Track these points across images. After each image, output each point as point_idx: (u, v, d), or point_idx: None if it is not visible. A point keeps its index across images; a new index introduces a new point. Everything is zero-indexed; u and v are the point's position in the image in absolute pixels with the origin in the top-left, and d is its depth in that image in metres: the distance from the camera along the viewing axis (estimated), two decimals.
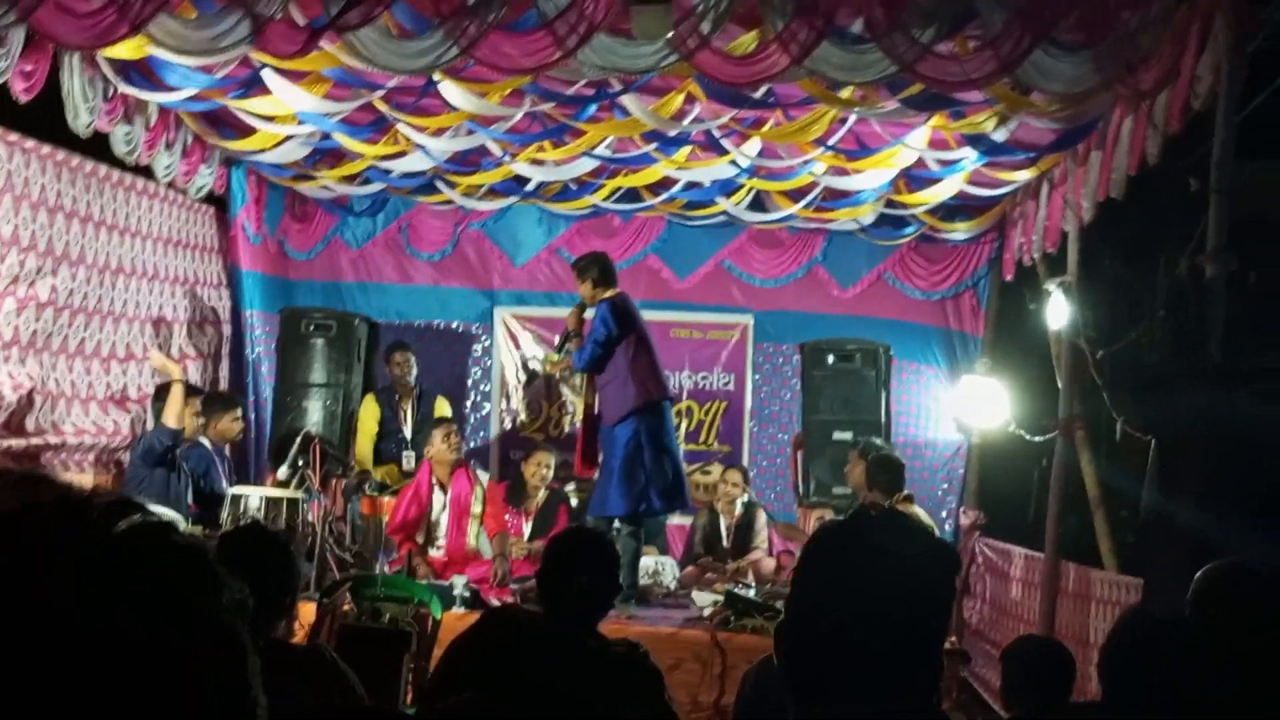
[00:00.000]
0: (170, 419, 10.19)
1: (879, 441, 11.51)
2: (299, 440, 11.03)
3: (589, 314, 10.80)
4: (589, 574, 4.97)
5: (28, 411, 9.90)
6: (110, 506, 1.12)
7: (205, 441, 11.05)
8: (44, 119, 9.81)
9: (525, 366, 14.43)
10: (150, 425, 10.85)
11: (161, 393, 10.54)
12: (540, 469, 12.01)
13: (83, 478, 10.51)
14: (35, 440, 9.97)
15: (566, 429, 14.21)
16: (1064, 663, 5.84)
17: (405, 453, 12.50)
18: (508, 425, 14.40)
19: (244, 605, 1.15)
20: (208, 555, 1.15)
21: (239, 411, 11.53)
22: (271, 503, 9.88)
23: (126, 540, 1.09)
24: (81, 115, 9.95)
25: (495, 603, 9.99)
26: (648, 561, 11.44)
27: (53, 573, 1.04)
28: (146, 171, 11.57)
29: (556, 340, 11.29)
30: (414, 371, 12.81)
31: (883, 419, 12.80)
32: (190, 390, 10.75)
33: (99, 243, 10.96)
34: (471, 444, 13.66)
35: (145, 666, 1.04)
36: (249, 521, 8.67)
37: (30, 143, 9.93)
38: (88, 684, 1.02)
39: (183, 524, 8.86)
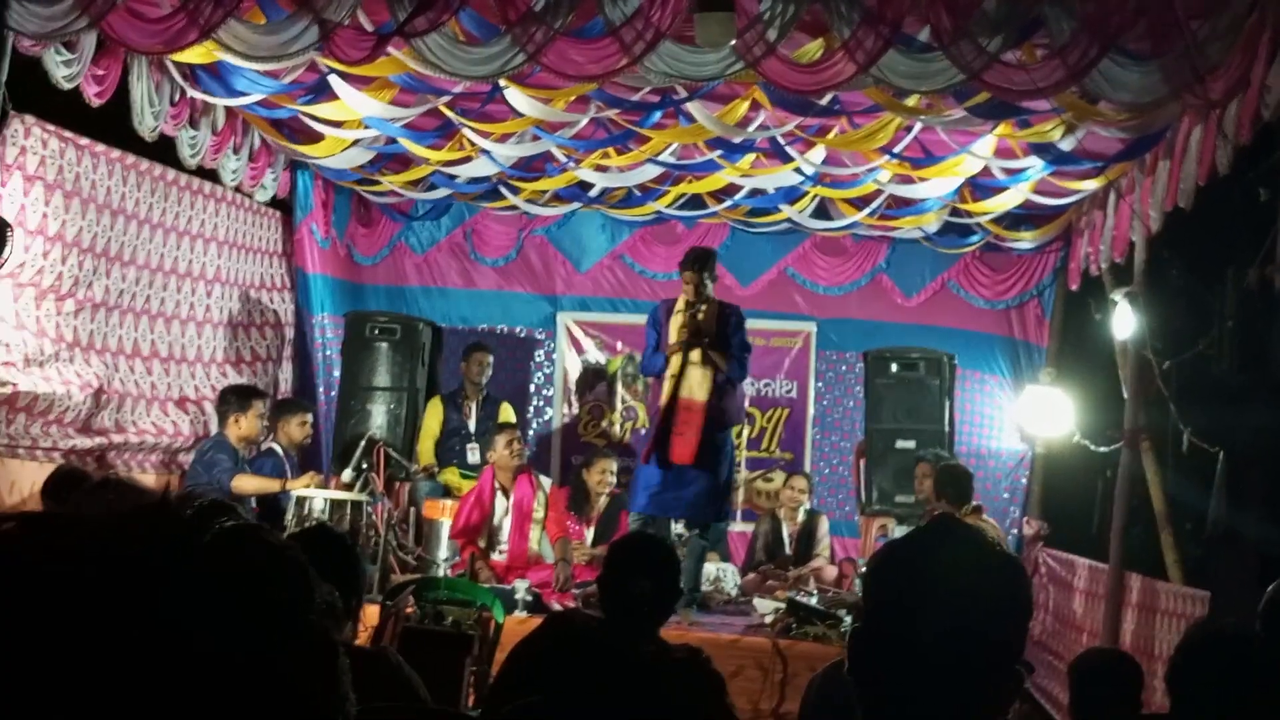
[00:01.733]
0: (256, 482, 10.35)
1: (945, 453, 11.48)
2: (363, 444, 11.10)
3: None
4: (651, 578, 4.97)
5: (95, 412, 10.00)
6: (203, 509, 1.13)
7: (277, 447, 11.14)
8: (113, 123, 9.91)
9: (589, 371, 14.45)
10: (213, 429, 10.97)
11: (237, 401, 10.62)
12: (604, 475, 12.02)
13: (145, 478, 10.61)
14: (100, 440, 10.08)
15: (627, 436, 14.23)
16: (1131, 674, 5.80)
17: (470, 445, 12.53)
18: (568, 428, 14.42)
19: (333, 607, 1.16)
20: (300, 557, 1.16)
21: (308, 416, 11.60)
22: (336, 505, 9.93)
23: (221, 544, 1.11)
24: (147, 119, 10.05)
25: (557, 607, 10.02)
26: (709, 568, 11.45)
27: (151, 580, 1.05)
28: (212, 175, 11.66)
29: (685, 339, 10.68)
30: (489, 373, 12.85)
31: (946, 428, 12.74)
32: (256, 393, 10.79)
33: (163, 246, 11.06)
34: (533, 449, 13.67)
35: (244, 672, 1.06)
36: (314, 524, 8.72)
37: (100, 146, 10.04)
38: (189, 692, 1.03)
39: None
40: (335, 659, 1.14)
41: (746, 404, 14.10)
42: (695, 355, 10.47)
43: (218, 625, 1.05)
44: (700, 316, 10.45)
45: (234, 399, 10.67)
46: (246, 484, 10.20)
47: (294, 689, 1.09)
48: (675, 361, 10.48)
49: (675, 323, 10.55)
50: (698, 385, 10.47)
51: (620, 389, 14.39)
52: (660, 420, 10.54)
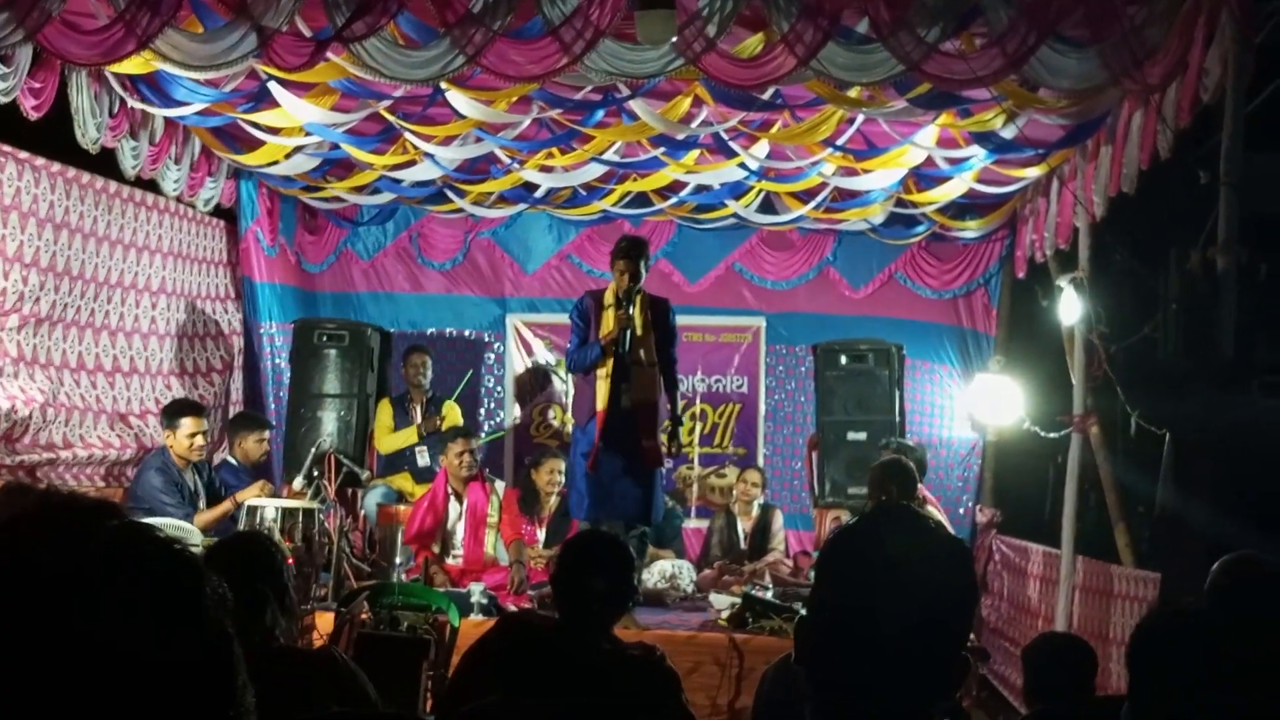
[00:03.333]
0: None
1: (911, 442, 11.50)
2: (314, 451, 11.06)
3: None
4: (604, 576, 4.92)
5: (39, 428, 9.92)
6: (91, 509, 1.13)
7: (232, 460, 11.06)
8: (52, 135, 9.84)
9: (538, 372, 14.45)
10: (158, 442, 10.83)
11: (166, 418, 10.38)
12: (553, 475, 12.01)
13: (89, 492, 10.48)
14: (46, 455, 10.00)
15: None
16: (1084, 658, 5.83)
17: (418, 448, 12.50)
18: (520, 430, 14.42)
19: (224, 600, 1.16)
20: (188, 552, 1.16)
21: (266, 434, 11.51)
22: (287, 513, 9.88)
23: (111, 541, 1.10)
24: (90, 130, 9.97)
25: (513, 609, 10.01)
26: (665, 565, 11.45)
27: (43, 579, 1.05)
28: (154, 186, 11.58)
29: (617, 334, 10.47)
30: (429, 375, 12.81)
31: (897, 418, 12.76)
32: (187, 410, 10.49)
33: (108, 259, 10.97)
34: (485, 451, 13.65)
35: (139, 664, 1.06)
36: (227, 535, 8.64)
37: (40, 160, 9.96)
38: (77, 679, 1.03)
39: (197, 536, 8.85)
40: (230, 648, 1.14)
41: (698, 401, 14.15)
42: (643, 355, 10.41)
43: (111, 620, 1.05)
44: (634, 311, 10.38)
45: (165, 415, 10.41)
46: (205, 519, 10.01)
47: (190, 678, 1.08)
48: (611, 363, 10.38)
49: (608, 317, 10.47)
50: (650, 385, 10.44)
51: (571, 388, 14.37)
52: (608, 423, 10.39)
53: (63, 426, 10.24)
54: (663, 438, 10.57)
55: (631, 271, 10.35)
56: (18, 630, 1.03)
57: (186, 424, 10.07)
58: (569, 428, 14.21)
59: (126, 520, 1.13)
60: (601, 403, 10.33)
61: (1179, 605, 3.81)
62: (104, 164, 10.68)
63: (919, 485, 10.09)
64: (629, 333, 10.29)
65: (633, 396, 10.34)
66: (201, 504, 10.18)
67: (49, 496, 1.15)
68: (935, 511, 10.21)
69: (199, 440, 10.12)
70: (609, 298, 10.51)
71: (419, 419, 12.66)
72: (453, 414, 12.72)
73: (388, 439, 12.65)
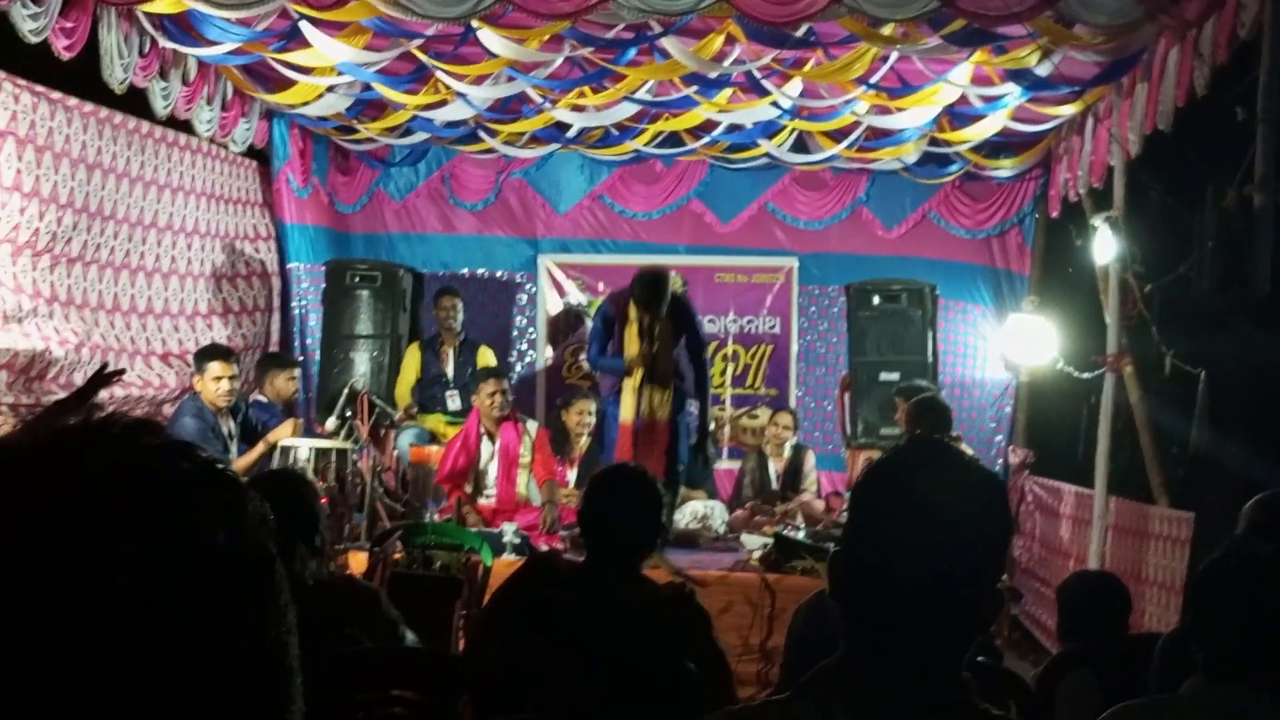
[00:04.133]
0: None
1: (922, 382, 11.45)
2: (346, 392, 11.08)
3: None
4: (632, 512, 4.87)
5: (75, 367, 9.95)
6: (130, 427, 1.13)
7: (262, 398, 11.10)
8: (82, 76, 9.83)
9: (571, 313, 14.45)
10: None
11: (195, 363, 10.37)
12: (582, 416, 12.00)
13: None
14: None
15: None
16: (1119, 596, 5.82)
17: (449, 392, 12.51)
18: (552, 371, 14.44)
19: (265, 519, 1.16)
20: (229, 470, 1.15)
21: (296, 371, 11.55)
22: (320, 454, 9.92)
23: (148, 459, 1.10)
24: (117, 71, 9.95)
25: (545, 549, 10.04)
26: (697, 505, 11.47)
27: (79, 498, 1.05)
28: (187, 126, 11.58)
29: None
30: (460, 317, 12.78)
31: (929, 359, 12.73)
32: (214, 354, 10.45)
33: (140, 199, 10.99)
34: (516, 393, 13.65)
35: (179, 585, 1.05)
36: (261, 472, 8.68)
37: (71, 100, 9.96)
38: (126, 607, 1.03)
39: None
40: (272, 567, 1.14)
41: (730, 342, 14.14)
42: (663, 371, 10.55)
43: (149, 537, 1.04)
44: (655, 346, 10.47)
45: (195, 360, 10.40)
46: (240, 464, 10.00)
47: (231, 596, 1.08)
48: (638, 375, 10.51)
49: (631, 332, 10.53)
50: (659, 404, 10.49)
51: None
52: (620, 440, 10.58)
53: (98, 366, 10.26)
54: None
55: (652, 315, 10.47)
56: (53, 546, 1.02)
57: (214, 368, 10.05)
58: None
59: (166, 438, 1.13)
60: (627, 416, 10.58)
61: (1248, 548, 3.77)
62: (137, 104, 10.68)
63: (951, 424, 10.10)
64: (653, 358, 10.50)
65: (640, 413, 10.52)
66: (234, 447, 10.18)
67: (86, 417, 1.14)
68: (967, 451, 10.19)
69: (225, 385, 10.06)
70: (633, 311, 10.56)
71: (451, 362, 12.66)
72: (485, 356, 12.72)
73: (404, 389, 12.65)
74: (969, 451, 9.86)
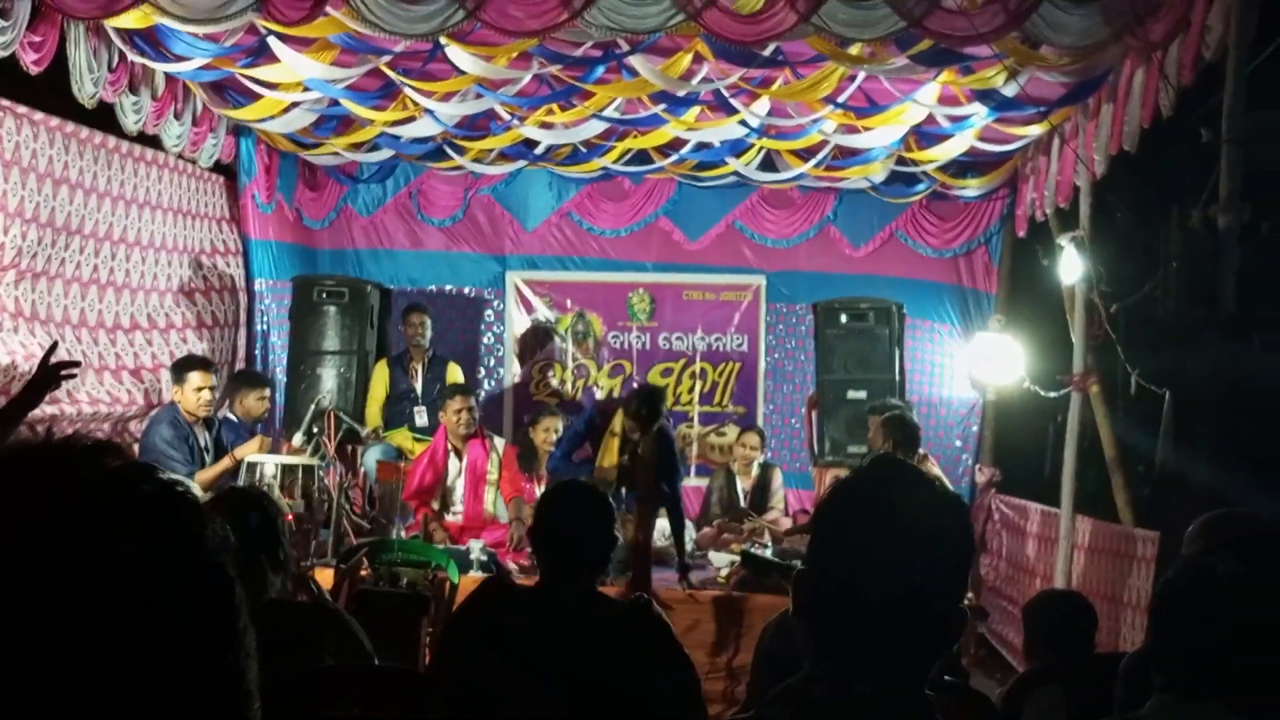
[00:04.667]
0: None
1: (895, 401, 11.47)
2: (313, 408, 11.05)
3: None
4: (585, 525, 4.79)
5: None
6: (92, 449, 1.12)
7: (232, 417, 11.06)
8: (52, 90, 9.80)
9: (539, 330, 14.45)
10: (166, 397, 10.85)
11: (174, 373, 10.38)
12: (549, 434, 11.96)
13: None
14: (50, 410, 9.98)
15: (578, 394, 14.27)
16: (1085, 614, 5.84)
17: (416, 408, 12.49)
18: (520, 388, 14.43)
19: (226, 540, 1.16)
20: (189, 493, 1.15)
21: (266, 391, 11.48)
22: (287, 470, 9.89)
23: (110, 481, 1.10)
24: (86, 86, 9.92)
25: (512, 566, 10.03)
26: (663, 524, 11.45)
27: (33, 516, 1.04)
28: (154, 142, 11.55)
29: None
30: (429, 333, 12.75)
31: (896, 377, 12.76)
32: (194, 364, 10.50)
33: (109, 215, 10.95)
34: (484, 409, 13.63)
35: (138, 605, 1.05)
36: (222, 489, 8.63)
37: (38, 115, 9.92)
38: (72, 621, 1.02)
39: (199, 493, 8.85)
40: (231, 590, 1.14)
41: (698, 360, 14.16)
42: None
43: (107, 560, 1.04)
44: (640, 452, 10.13)
45: (173, 371, 10.42)
46: (205, 477, 9.99)
47: (190, 619, 1.08)
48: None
49: (612, 445, 10.43)
50: (633, 524, 9.99)
51: (571, 346, 14.40)
52: None
53: (64, 382, 10.21)
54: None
55: (643, 430, 10.08)
56: (10, 569, 1.02)
57: (194, 378, 10.08)
58: (568, 386, 14.26)
59: (127, 461, 1.12)
60: None
61: (1208, 564, 3.78)
62: (104, 119, 10.64)
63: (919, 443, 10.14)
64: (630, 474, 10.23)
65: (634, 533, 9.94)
66: (209, 461, 10.18)
67: (47, 437, 1.14)
68: (934, 469, 10.20)
69: (206, 395, 10.11)
70: (619, 423, 10.40)
71: (420, 378, 12.64)
72: (454, 373, 12.71)
73: (374, 409, 12.62)
74: (936, 470, 9.95)
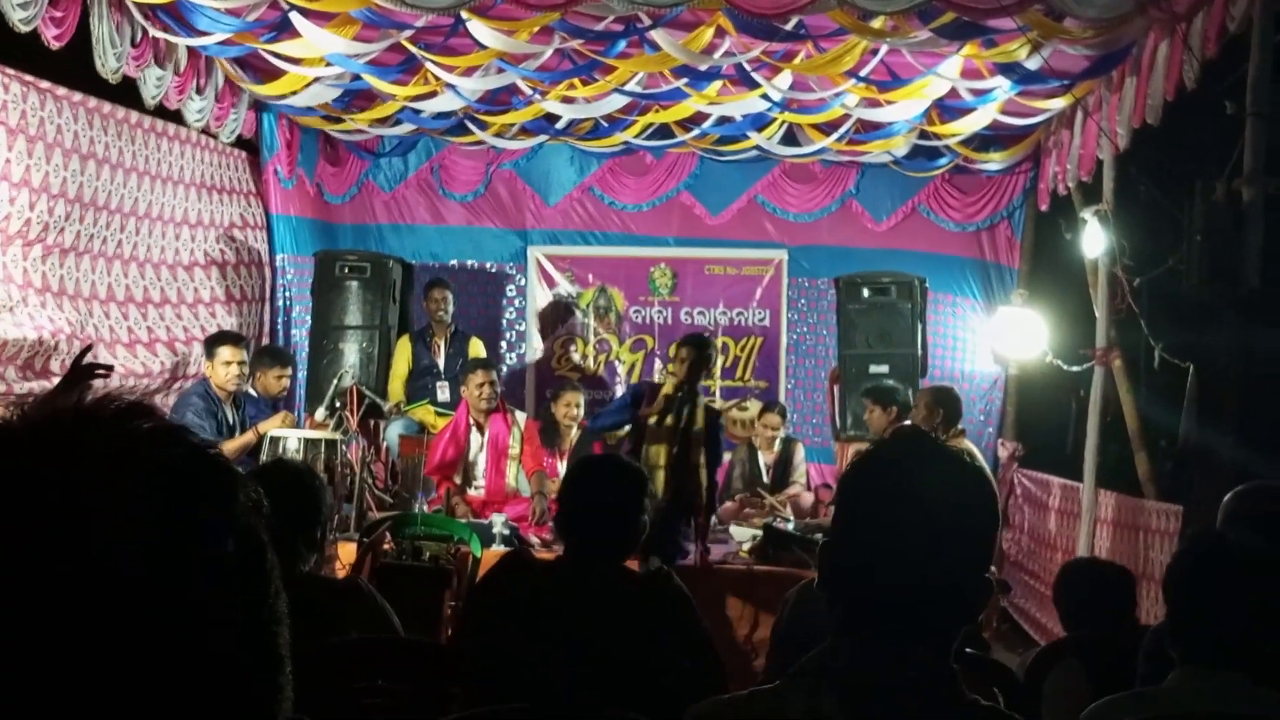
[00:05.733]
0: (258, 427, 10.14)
1: (890, 382, 11.43)
2: (336, 382, 11.07)
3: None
4: (612, 494, 4.71)
5: (67, 356, 9.94)
6: (121, 411, 1.13)
7: (253, 392, 11.08)
8: (74, 65, 9.81)
9: (560, 304, 14.47)
10: (190, 370, 10.93)
11: (205, 348, 10.43)
12: (570, 408, 11.96)
13: None
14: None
15: (600, 368, 14.28)
16: (1115, 586, 5.80)
17: (439, 383, 12.51)
18: (542, 362, 14.44)
19: (259, 505, 1.16)
20: (222, 457, 1.15)
21: (287, 370, 11.46)
22: (310, 444, 9.90)
23: (141, 443, 1.10)
24: (109, 60, 9.94)
25: (534, 540, 10.04)
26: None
27: (71, 481, 1.05)
28: (176, 117, 11.57)
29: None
30: (451, 309, 12.76)
31: (919, 352, 12.74)
32: (224, 339, 10.55)
33: (135, 189, 10.97)
34: (506, 384, 13.63)
35: (171, 569, 1.05)
36: (271, 460, 8.66)
37: (61, 90, 9.94)
38: (118, 591, 1.03)
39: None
40: (263, 555, 1.14)
41: (720, 334, 14.15)
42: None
43: (140, 523, 1.04)
44: (688, 418, 9.71)
45: (205, 346, 10.47)
46: (226, 448, 10.00)
47: (221, 582, 1.08)
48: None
49: (658, 439, 9.76)
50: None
51: (592, 321, 14.41)
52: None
53: (91, 356, 10.26)
54: None
55: (693, 360, 9.72)
56: (44, 528, 1.02)
57: (224, 353, 10.12)
58: (590, 361, 14.27)
59: (160, 422, 1.13)
60: None
61: (1219, 535, 3.78)
62: (125, 94, 10.66)
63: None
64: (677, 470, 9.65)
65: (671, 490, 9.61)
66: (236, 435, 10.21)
67: (79, 399, 1.15)
68: (970, 446, 10.19)
69: (235, 369, 10.15)
70: (667, 388, 9.82)
71: (442, 353, 12.66)
72: (476, 348, 12.73)
73: (396, 384, 12.65)
74: (969, 444, 9.92)
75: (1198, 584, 3.38)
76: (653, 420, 9.70)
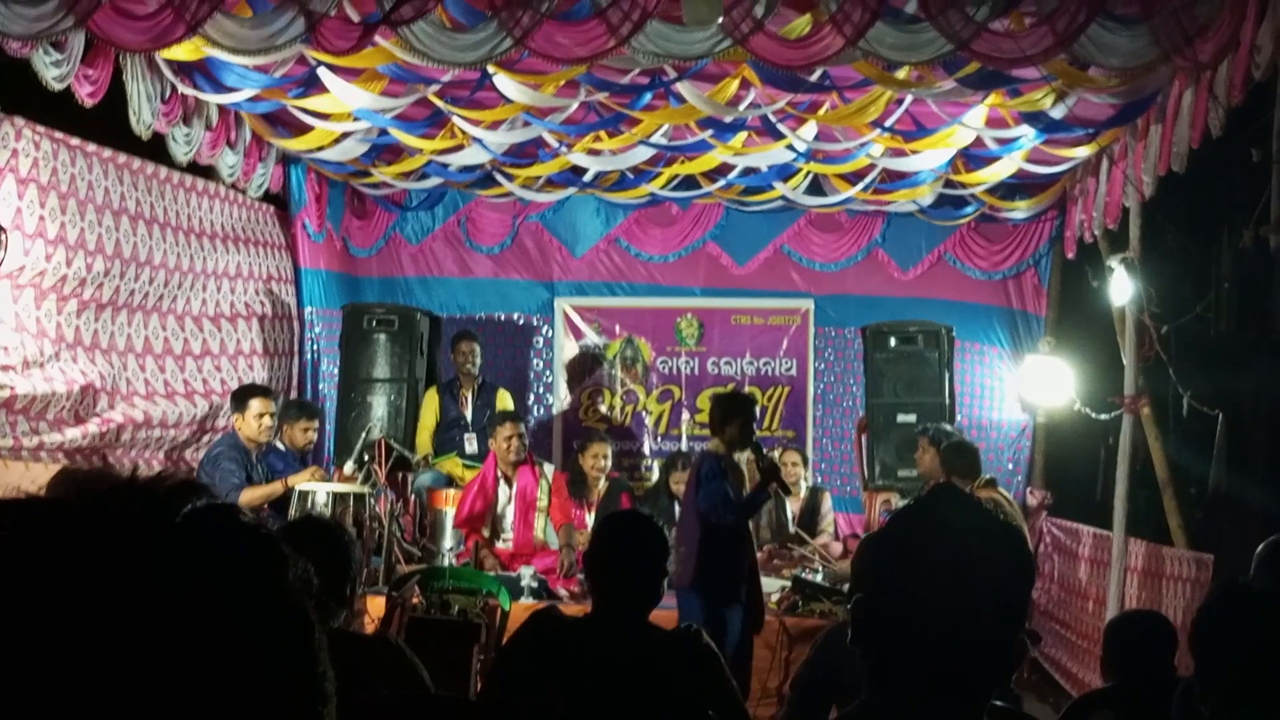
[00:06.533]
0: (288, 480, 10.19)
1: (948, 427, 11.44)
2: (364, 436, 11.10)
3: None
4: (642, 557, 4.79)
5: (93, 406, 10.01)
6: (176, 488, 1.14)
7: (280, 446, 11.13)
8: (103, 122, 9.89)
9: (588, 355, 14.48)
10: (221, 423, 11.01)
11: (235, 402, 10.50)
12: (597, 460, 11.97)
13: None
14: (104, 428, 10.11)
15: (628, 419, 14.29)
16: (1155, 637, 5.76)
17: (466, 435, 12.54)
18: (569, 414, 14.45)
19: (309, 583, 1.17)
20: (272, 535, 1.16)
21: (314, 423, 11.52)
22: (339, 498, 9.92)
23: (193, 520, 1.11)
24: (145, 116, 10.05)
25: (563, 593, 10.04)
26: None
27: (123, 554, 1.05)
28: (205, 172, 11.67)
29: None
30: (478, 361, 12.82)
31: (946, 400, 12.73)
32: (254, 392, 10.61)
33: (175, 245, 11.08)
34: (534, 436, 13.64)
35: (216, 643, 1.06)
36: (299, 517, 8.68)
37: (92, 146, 10.03)
38: (164, 668, 1.03)
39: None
40: (312, 634, 1.15)
41: (746, 384, 14.13)
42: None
43: (191, 602, 1.05)
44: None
45: (234, 400, 10.57)
46: (253, 495, 10.06)
47: (271, 664, 1.09)
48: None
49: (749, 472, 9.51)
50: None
51: (619, 372, 14.42)
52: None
53: (121, 409, 10.34)
54: None
55: (718, 420, 9.33)
56: (97, 605, 1.03)
57: (255, 405, 10.26)
58: (617, 412, 14.26)
59: (210, 501, 1.14)
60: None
61: (1243, 584, 3.76)
62: (154, 149, 10.74)
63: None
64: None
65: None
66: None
67: (132, 475, 1.16)
68: (1002, 495, 10.16)
69: (267, 421, 10.32)
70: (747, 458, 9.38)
71: (470, 405, 12.70)
72: (503, 400, 12.76)
73: (425, 436, 12.70)
74: (1004, 494, 9.89)
75: (1223, 636, 3.36)
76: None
